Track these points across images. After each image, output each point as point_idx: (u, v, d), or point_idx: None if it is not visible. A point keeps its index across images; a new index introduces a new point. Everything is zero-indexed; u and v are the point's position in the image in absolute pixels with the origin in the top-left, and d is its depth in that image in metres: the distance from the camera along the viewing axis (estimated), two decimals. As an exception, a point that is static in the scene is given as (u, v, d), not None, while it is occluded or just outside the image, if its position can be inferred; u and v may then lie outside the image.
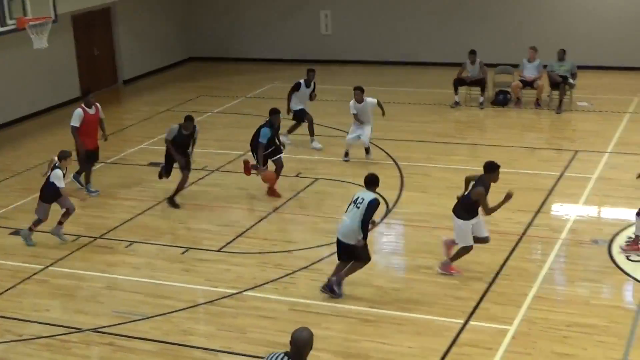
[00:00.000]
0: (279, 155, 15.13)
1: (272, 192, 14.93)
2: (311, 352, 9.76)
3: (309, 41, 26.72)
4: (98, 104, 15.49)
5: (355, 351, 9.90)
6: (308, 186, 15.43)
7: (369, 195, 10.94)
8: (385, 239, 13.47)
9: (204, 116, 20.82)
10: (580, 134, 18.54)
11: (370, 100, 16.54)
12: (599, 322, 10.37)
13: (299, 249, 12.81)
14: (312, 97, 18.03)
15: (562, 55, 20.36)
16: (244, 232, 13.57)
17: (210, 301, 11.34)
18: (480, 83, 20.69)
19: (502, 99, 20.83)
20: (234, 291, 11.55)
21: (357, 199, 11.04)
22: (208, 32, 27.82)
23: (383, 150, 17.24)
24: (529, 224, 13.34)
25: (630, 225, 13.07)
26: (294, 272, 12.06)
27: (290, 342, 6.55)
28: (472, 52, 20.74)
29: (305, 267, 12.19)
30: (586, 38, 23.71)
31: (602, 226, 13.37)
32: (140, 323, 10.81)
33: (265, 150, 14.86)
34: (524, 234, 13.02)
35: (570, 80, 20.17)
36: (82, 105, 15.30)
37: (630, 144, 17.37)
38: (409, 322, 10.55)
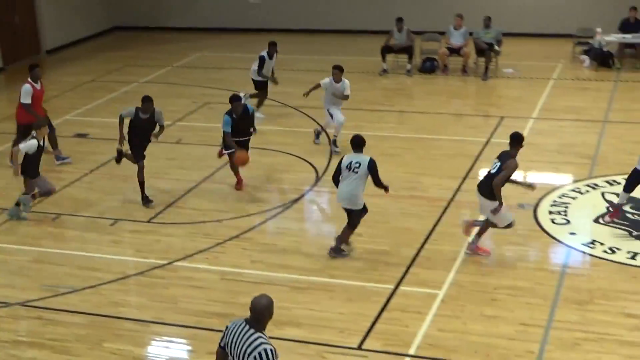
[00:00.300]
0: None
1: (238, 184, 13.84)
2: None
3: (237, 10, 26.49)
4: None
5: (286, 319, 9.93)
6: (237, 155, 15.33)
7: (364, 159, 11.01)
8: (315, 207, 13.53)
9: (130, 86, 20.56)
10: (506, 100, 18.81)
11: (347, 82, 15.37)
12: (526, 284, 10.59)
13: (229, 219, 12.77)
14: (272, 71, 17.74)
15: (487, 22, 20.59)
16: (174, 202, 13.47)
17: (141, 272, 11.26)
18: (408, 50, 20.81)
19: (429, 66, 20.99)
20: (165, 262, 11.48)
21: (350, 163, 11.06)
22: (133, 0, 27.37)
23: (312, 118, 17.24)
24: (457, 190, 13.51)
25: (555, 189, 13.36)
26: (225, 241, 12.03)
27: (250, 308, 6.56)
28: (399, 20, 20.83)
29: (236, 237, 12.17)
30: (511, 5, 24.01)
31: (528, 190, 13.59)
32: (69, 296, 10.68)
33: (234, 137, 13.48)
34: (452, 199, 13.18)
35: (496, 47, 20.43)
36: (30, 80, 14.80)
37: (555, 109, 17.70)
38: (340, 289, 10.63)
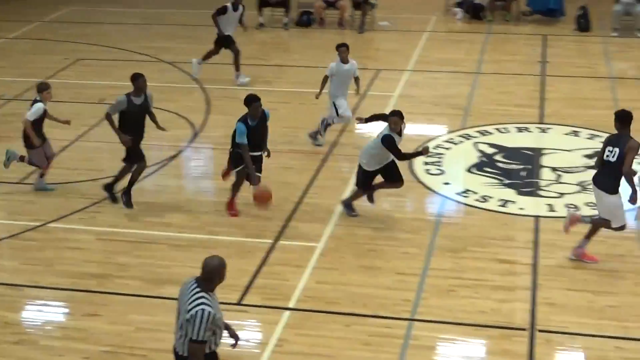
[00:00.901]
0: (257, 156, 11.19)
1: (230, 207, 11.44)
2: (119, 281, 9.74)
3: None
4: None
5: (166, 277, 9.87)
6: (112, 113, 15.01)
7: (384, 131, 10.85)
8: (193, 163, 13.41)
9: (-3, 42, 19.82)
10: (382, 53, 18.99)
11: (355, 63, 13.39)
12: (402, 235, 10.80)
13: (105, 177, 12.49)
14: (242, 22, 16.83)
15: (363, -25, 20.66)
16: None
17: (13, 235, 10.95)
18: (284, 4, 20.72)
19: (306, 20, 20.96)
20: (38, 223, 11.19)
21: None
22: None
23: (187, 73, 17.02)
24: (334, 143, 13.61)
25: (430, 140, 13.61)
26: (101, 200, 11.81)
27: (201, 267, 6.45)
28: (275, -26, 20.67)
29: (112, 196, 11.96)
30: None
31: (404, 142, 13.66)
32: (-63, 262, 10.33)
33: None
34: (329, 153, 13.27)
35: (371, 0, 20.54)
36: None
37: (429, 62, 17.97)
38: (220, 245, 10.58)
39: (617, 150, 9.50)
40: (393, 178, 11.15)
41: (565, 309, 9.20)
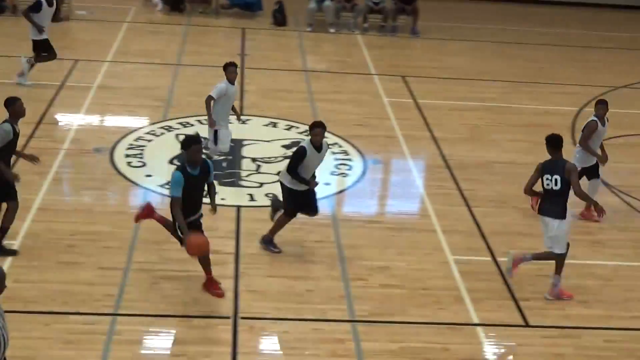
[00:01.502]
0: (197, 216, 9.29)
1: (210, 285, 9.44)
2: None
3: None
4: None
5: None
6: None
7: (303, 142, 10.07)
8: None
9: None
10: (80, 43, 18.50)
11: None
12: (104, 229, 10.60)
13: None
14: (58, 18, 15.12)
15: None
16: None
17: None
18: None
19: (-3, 7, 19.96)
20: None
21: None
22: None
23: None
24: (30, 136, 13.06)
25: (131, 132, 13.47)
26: None
27: None
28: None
29: None
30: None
31: (104, 134, 13.56)
32: None
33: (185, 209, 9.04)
34: (24, 146, 12.70)
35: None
36: None
37: (129, 53, 17.77)
38: None
39: (557, 177, 9.43)
40: (309, 207, 10.32)
41: (266, 296, 9.48)
